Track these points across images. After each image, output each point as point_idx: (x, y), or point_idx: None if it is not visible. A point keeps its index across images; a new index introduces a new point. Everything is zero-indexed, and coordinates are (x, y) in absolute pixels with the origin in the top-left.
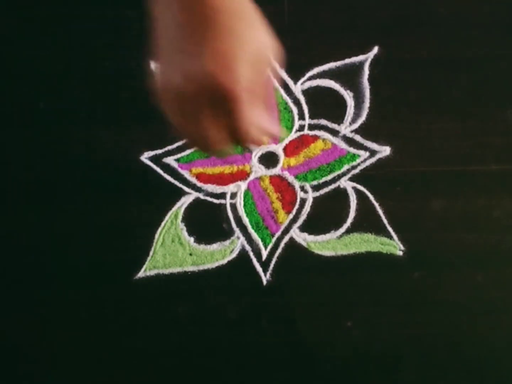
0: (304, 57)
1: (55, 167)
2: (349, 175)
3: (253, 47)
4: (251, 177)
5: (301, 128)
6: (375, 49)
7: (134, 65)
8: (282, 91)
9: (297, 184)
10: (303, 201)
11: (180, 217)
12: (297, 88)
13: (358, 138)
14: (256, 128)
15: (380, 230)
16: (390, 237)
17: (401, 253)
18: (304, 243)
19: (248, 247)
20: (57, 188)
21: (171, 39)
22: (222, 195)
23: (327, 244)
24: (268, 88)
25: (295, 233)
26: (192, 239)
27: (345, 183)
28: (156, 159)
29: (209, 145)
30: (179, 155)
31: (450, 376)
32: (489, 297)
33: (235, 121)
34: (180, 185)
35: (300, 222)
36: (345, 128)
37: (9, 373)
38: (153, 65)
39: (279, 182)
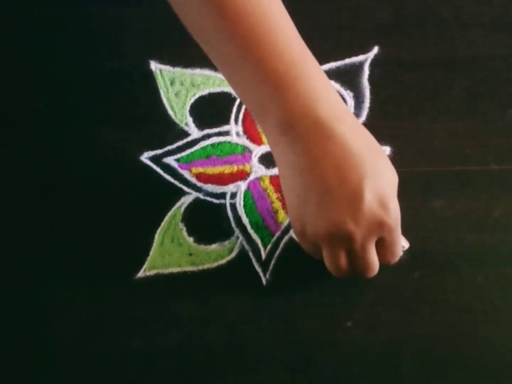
0: None
1: (55, 167)
2: None
3: (393, 178)
4: (251, 177)
5: None
6: (375, 49)
7: (134, 65)
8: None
9: None
10: None
11: (180, 217)
12: None
13: None
14: (399, 253)
15: None
16: None
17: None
18: None
19: (248, 247)
20: (56, 188)
21: (329, 189)
22: (222, 195)
23: None
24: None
25: None
26: (192, 239)
27: None
28: (156, 159)
29: (367, 269)
30: (179, 155)
31: (450, 376)
32: (489, 297)
33: (393, 247)
34: (180, 185)
35: None
36: None
37: (9, 373)
38: (153, 66)
39: (279, 182)
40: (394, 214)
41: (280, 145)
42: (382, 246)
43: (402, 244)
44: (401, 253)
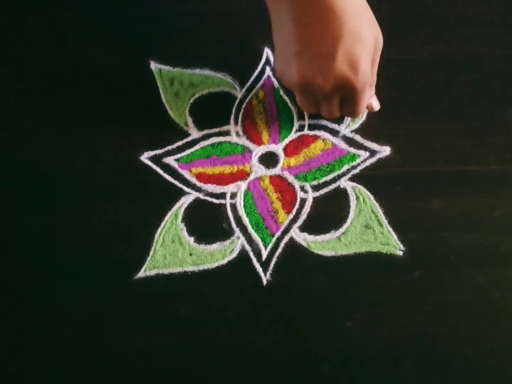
0: None
1: (55, 167)
2: (349, 175)
3: (370, 43)
4: (251, 177)
5: (301, 128)
6: None
7: (134, 65)
8: (282, 91)
9: (297, 184)
10: (303, 201)
11: (180, 217)
12: None
13: (358, 138)
14: (365, 107)
15: (380, 230)
16: (390, 237)
17: (401, 253)
18: (304, 243)
19: (248, 247)
20: (56, 188)
21: (307, 43)
22: (222, 195)
23: (327, 244)
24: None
25: (295, 233)
26: (192, 239)
27: (345, 183)
28: (156, 159)
29: (329, 115)
30: (179, 155)
31: (450, 376)
32: (489, 297)
33: (355, 106)
34: (180, 185)
35: (300, 222)
36: (345, 128)
37: (9, 373)
38: (153, 66)
39: (279, 182)
40: (362, 77)
41: (277, 4)
42: (347, 102)
43: (373, 105)
44: (365, 112)
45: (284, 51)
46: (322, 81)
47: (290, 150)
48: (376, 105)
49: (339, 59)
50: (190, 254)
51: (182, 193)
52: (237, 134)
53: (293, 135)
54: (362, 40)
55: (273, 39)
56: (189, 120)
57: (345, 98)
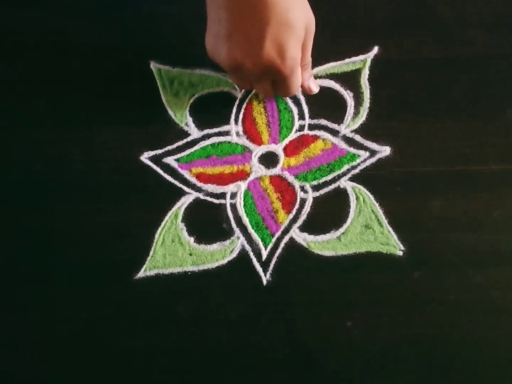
0: None
1: (55, 167)
2: (349, 175)
3: (300, 28)
4: (251, 177)
5: (301, 128)
6: (375, 49)
7: (134, 65)
8: None
9: (297, 184)
10: (303, 201)
11: (180, 217)
12: None
13: (358, 138)
14: (298, 89)
15: (380, 230)
16: (390, 237)
17: (401, 253)
18: (304, 243)
19: (248, 247)
20: (56, 188)
21: (236, 28)
22: (222, 195)
23: (327, 244)
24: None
25: (295, 233)
26: (192, 239)
27: (345, 183)
28: (156, 159)
29: (263, 94)
30: (179, 155)
31: (450, 376)
32: (489, 297)
33: (286, 88)
34: (180, 185)
35: (300, 222)
36: (345, 128)
37: (9, 373)
38: (153, 66)
39: (279, 182)
40: (289, 62)
41: None
42: (278, 84)
43: (311, 87)
44: (298, 91)
45: (216, 32)
46: (250, 65)
47: (290, 150)
48: (314, 87)
49: (266, 45)
50: (190, 254)
51: (182, 193)
52: (237, 134)
53: (293, 135)
54: (290, 27)
55: (207, 16)
56: (189, 120)
57: (276, 81)
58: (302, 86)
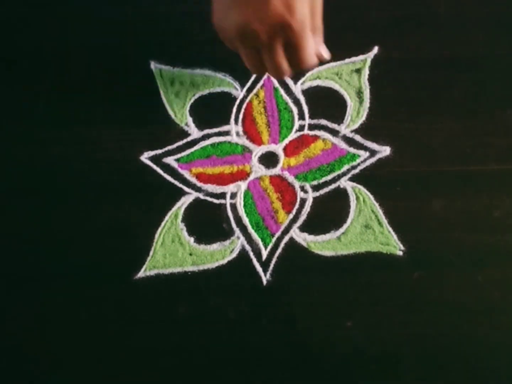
0: None
1: (55, 167)
2: (349, 175)
3: None
4: (251, 177)
5: (301, 128)
6: (375, 49)
7: (134, 65)
8: (282, 91)
9: (297, 184)
10: (303, 201)
11: (180, 217)
12: (297, 88)
13: (358, 138)
14: (312, 53)
15: (380, 230)
16: (390, 237)
17: (401, 253)
18: (304, 243)
19: (248, 247)
20: (56, 187)
21: None
22: (222, 195)
23: (327, 244)
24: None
25: (295, 233)
26: (192, 239)
27: (345, 183)
28: (156, 159)
29: (276, 70)
30: (179, 155)
31: (450, 376)
32: (489, 297)
33: (300, 52)
34: (180, 185)
35: (300, 222)
36: (345, 128)
37: (9, 373)
38: (153, 66)
39: (279, 182)
40: (299, 16)
41: None
42: (291, 50)
43: (322, 53)
44: (314, 61)
45: (220, 1)
46: (259, 25)
47: (290, 150)
48: (326, 54)
49: (274, 1)
50: (190, 254)
51: (182, 193)
52: (237, 134)
53: (293, 135)
54: None
55: None
56: (189, 120)
57: (288, 45)
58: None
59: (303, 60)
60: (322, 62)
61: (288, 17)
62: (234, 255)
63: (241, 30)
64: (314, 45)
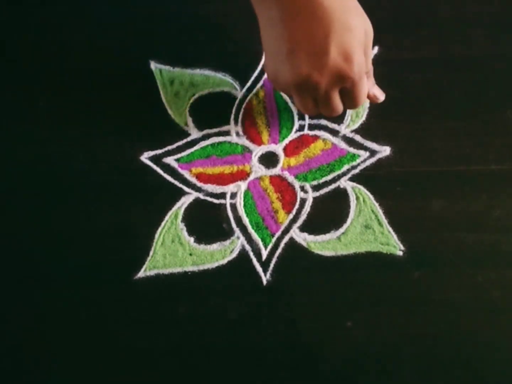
0: None
1: (55, 167)
2: (349, 175)
3: (361, 33)
4: (251, 177)
5: (301, 128)
6: (375, 49)
7: (134, 65)
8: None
9: (297, 184)
10: (303, 201)
11: (180, 217)
12: None
13: (358, 138)
14: (366, 97)
15: (380, 230)
16: (390, 237)
17: (401, 253)
18: (304, 243)
19: (248, 247)
20: (56, 187)
21: (298, 40)
22: (222, 195)
23: (327, 244)
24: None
25: (295, 233)
26: (192, 239)
27: (345, 183)
28: (156, 159)
29: (331, 113)
30: (179, 155)
31: (450, 376)
32: (489, 297)
33: (355, 98)
34: (180, 185)
35: (300, 222)
36: (345, 128)
37: (9, 373)
38: (153, 66)
39: (279, 182)
40: (357, 68)
41: (263, 1)
42: (346, 95)
43: (377, 95)
44: (367, 102)
45: (275, 51)
46: (317, 77)
47: (290, 150)
48: (380, 95)
49: (332, 52)
50: (190, 254)
51: (182, 193)
52: (237, 134)
53: (293, 135)
54: (352, 31)
55: (262, 39)
56: (189, 120)
57: (344, 91)
58: (367, 95)
59: (357, 103)
60: (375, 103)
61: (346, 68)
62: (234, 255)
63: (299, 83)
64: (368, 88)
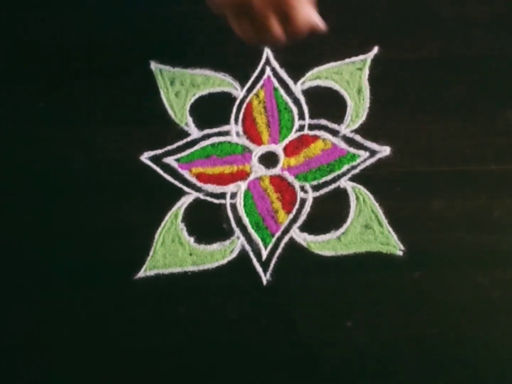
0: (304, 57)
1: (55, 167)
2: (349, 175)
3: None
4: (251, 177)
5: (301, 128)
6: (375, 49)
7: (134, 65)
8: (282, 91)
9: (297, 184)
10: (303, 201)
11: (180, 217)
12: (297, 88)
13: (358, 138)
14: (305, 21)
15: (380, 230)
16: (390, 237)
17: (401, 253)
18: (304, 243)
19: (248, 247)
20: (56, 188)
21: None
22: (222, 195)
23: (327, 244)
24: None
25: (295, 233)
26: (192, 239)
27: (345, 183)
28: (156, 159)
29: (270, 36)
30: (179, 155)
31: (450, 376)
32: (489, 297)
33: (292, 18)
34: (180, 185)
35: (300, 222)
36: (345, 128)
37: (9, 373)
38: (153, 66)
39: (279, 182)
40: None
41: None
42: (284, 17)
43: (315, 20)
44: (307, 27)
45: None
46: None
47: (290, 150)
48: (319, 21)
49: None
50: (190, 254)
51: (182, 193)
52: (237, 134)
53: (293, 135)
54: None
55: None
56: (189, 120)
57: (281, 14)
58: (306, 22)
59: (297, 26)
60: (316, 31)
61: None
62: (234, 255)
63: (235, 1)
64: (307, 13)
